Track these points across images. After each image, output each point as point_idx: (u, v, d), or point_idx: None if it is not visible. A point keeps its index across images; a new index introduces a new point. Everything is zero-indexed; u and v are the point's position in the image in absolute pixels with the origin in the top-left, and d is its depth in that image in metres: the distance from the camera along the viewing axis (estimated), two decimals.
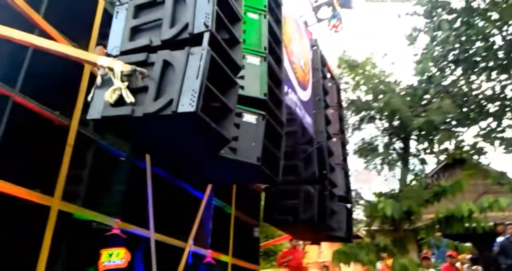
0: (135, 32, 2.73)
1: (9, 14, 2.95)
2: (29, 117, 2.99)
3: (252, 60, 3.33)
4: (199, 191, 4.90)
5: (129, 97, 2.43)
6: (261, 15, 3.57)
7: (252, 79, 3.25)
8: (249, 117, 3.11)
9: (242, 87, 3.19)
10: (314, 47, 5.49)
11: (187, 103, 2.27)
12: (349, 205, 5.80)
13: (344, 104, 11.32)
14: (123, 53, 2.66)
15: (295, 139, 5.09)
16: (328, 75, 5.98)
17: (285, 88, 4.45)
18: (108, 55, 2.70)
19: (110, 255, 3.48)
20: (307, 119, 5.05)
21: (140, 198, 4.00)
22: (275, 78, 3.60)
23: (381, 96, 10.65)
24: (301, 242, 15.77)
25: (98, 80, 2.58)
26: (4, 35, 2.59)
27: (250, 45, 3.40)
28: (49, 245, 2.89)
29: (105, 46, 2.84)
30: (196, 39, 2.49)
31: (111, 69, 2.48)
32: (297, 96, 4.81)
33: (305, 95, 5.17)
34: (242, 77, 3.23)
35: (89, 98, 2.60)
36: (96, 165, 3.48)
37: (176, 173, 4.04)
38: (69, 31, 3.44)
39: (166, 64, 2.46)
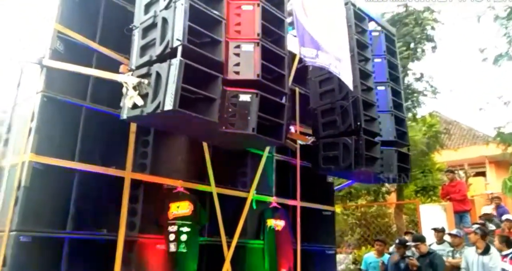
0: (143, 50, 3.74)
1: (75, 48, 4.22)
2: (100, 117, 4.28)
3: (246, 47, 4.02)
4: (259, 150, 5.88)
5: (139, 102, 3.49)
6: (255, 5, 4.18)
7: (247, 64, 3.96)
8: (244, 97, 3.87)
9: (238, 73, 3.98)
10: (347, 5, 5.74)
11: (168, 103, 3.22)
12: (405, 149, 6.12)
13: (504, 14, 10.60)
14: (137, 67, 3.70)
15: (334, 96, 5.61)
16: (372, 27, 6.14)
17: (314, 52, 4.99)
18: (131, 69, 3.79)
19: (178, 207, 4.77)
20: (347, 75, 5.42)
21: (200, 162, 5.17)
22: (275, 57, 4.24)
23: None
24: (462, 174, 15.22)
25: (124, 90, 3.69)
26: (65, 69, 3.87)
27: (245, 35, 4.09)
28: (127, 204, 4.25)
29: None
30: (174, 52, 3.38)
31: (126, 83, 3.56)
32: (331, 55, 5.22)
33: (343, 52, 5.52)
34: (238, 65, 4.01)
35: (120, 104, 3.74)
36: (157, 143, 4.71)
37: None
38: (120, 47, 4.60)
39: (158, 75, 3.42)
